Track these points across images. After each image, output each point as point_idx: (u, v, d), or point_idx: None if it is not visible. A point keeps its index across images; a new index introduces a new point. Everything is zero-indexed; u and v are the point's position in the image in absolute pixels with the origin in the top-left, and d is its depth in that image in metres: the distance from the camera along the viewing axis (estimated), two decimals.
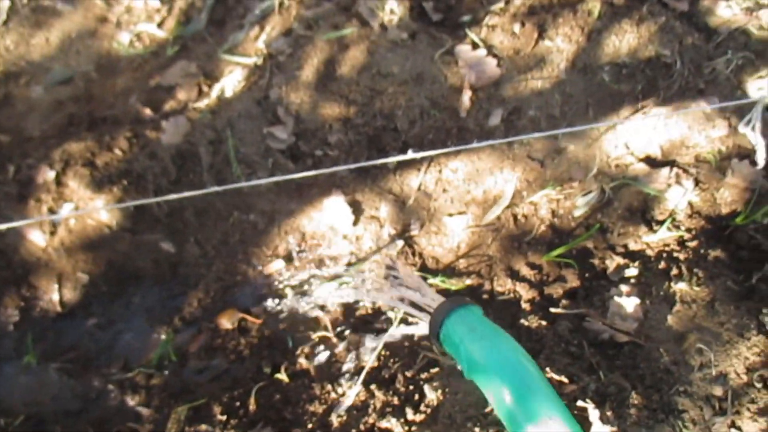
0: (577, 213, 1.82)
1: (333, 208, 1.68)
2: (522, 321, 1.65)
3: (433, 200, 1.72)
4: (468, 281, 1.69)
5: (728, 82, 1.83)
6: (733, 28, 1.89)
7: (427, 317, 0.92)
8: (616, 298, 1.66)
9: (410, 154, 1.12)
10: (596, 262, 1.78)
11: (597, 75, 1.71)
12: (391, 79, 1.62)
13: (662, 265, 1.75)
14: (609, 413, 1.36)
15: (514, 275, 1.73)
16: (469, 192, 1.72)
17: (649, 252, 1.80)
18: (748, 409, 1.42)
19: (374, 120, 1.65)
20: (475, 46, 1.65)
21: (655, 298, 1.65)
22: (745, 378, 1.46)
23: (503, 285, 1.72)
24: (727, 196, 1.95)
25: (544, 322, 1.64)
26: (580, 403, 1.38)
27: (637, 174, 1.83)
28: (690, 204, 1.90)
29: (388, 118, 1.65)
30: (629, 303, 1.64)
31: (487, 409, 1.37)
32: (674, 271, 1.71)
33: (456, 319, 0.80)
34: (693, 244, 1.82)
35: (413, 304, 1.03)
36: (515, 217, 1.78)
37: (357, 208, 1.70)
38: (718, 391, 1.43)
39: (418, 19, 1.74)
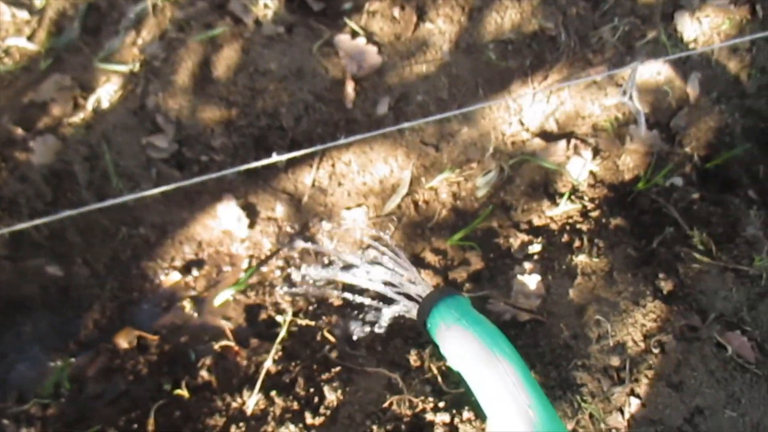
0: (480, 194, 1.81)
1: (226, 214, 1.63)
2: None
3: (330, 195, 1.69)
4: None
5: (616, 49, 1.82)
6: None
7: (412, 305, 0.91)
8: (519, 277, 1.66)
9: (286, 155, 1.08)
10: (501, 241, 1.78)
11: (483, 54, 1.69)
12: (270, 76, 1.57)
13: (565, 238, 1.75)
14: None
15: (419, 263, 1.71)
16: (365, 183, 1.69)
17: (553, 226, 1.80)
18: (646, 376, 1.43)
19: (258, 120, 1.60)
20: (354, 34, 1.61)
21: (557, 273, 1.65)
22: (642, 345, 1.47)
23: None
24: (629, 162, 1.96)
25: None
26: None
27: (534, 149, 1.82)
28: (592, 174, 1.90)
29: (272, 116, 1.61)
30: (531, 280, 1.64)
31: (385, 404, 1.35)
32: (576, 244, 1.71)
33: (444, 309, 0.80)
34: (595, 214, 1.83)
35: (401, 292, 1.00)
36: (416, 204, 1.76)
37: (251, 211, 1.66)
38: (615, 361, 1.44)
39: (297, 10, 1.69)
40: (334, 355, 1.46)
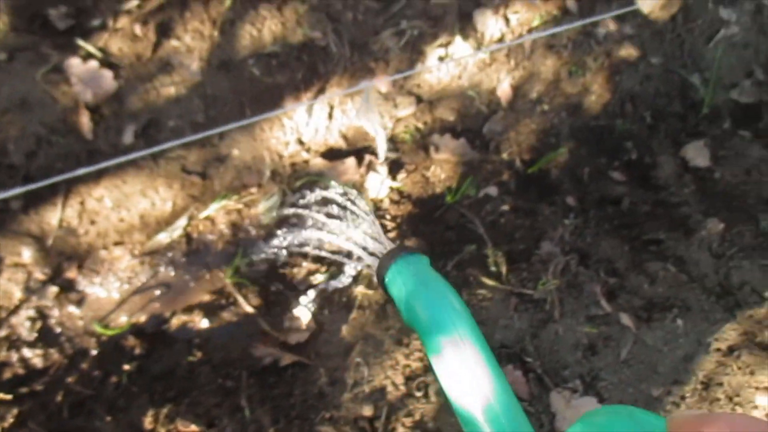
0: (265, 220, 1.66)
1: None
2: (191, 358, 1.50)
3: (83, 235, 1.52)
4: (141, 318, 1.52)
5: (404, 55, 1.68)
6: None
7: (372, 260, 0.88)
8: (294, 311, 1.52)
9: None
10: (287, 271, 1.64)
11: (244, 70, 1.53)
12: None
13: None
14: None
15: (190, 309, 1.56)
16: (123, 220, 1.53)
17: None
18: (404, 425, 1.31)
19: None
20: (88, 57, 1.44)
21: (335, 306, 1.52)
22: (403, 389, 1.34)
23: (180, 318, 1.55)
24: (440, 173, 1.83)
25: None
26: None
27: (321, 169, 1.68)
28: (397, 190, 1.77)
29: (0, 153, 1.44)
30: (304, 315, 1.51)
31: None
32: (358, 272, 1.58)
33: (402, 265, 0.78)
34: (392, 235, 1.70)
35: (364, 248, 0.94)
36: (189, 236, 1.60)
37: None
38: (368, 410, 1.31)
39: (38, 30, 1.51)
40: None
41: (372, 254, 0.87)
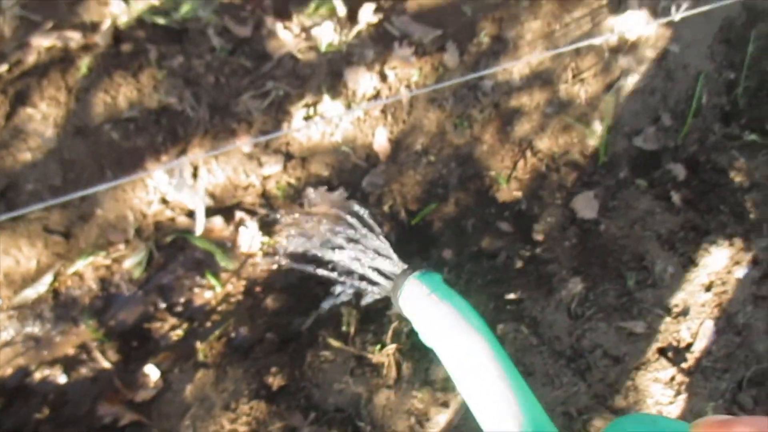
0: (136, 274, 1.72)
1: None
2: None
3: None
4: (6, 371, 1.58)
5: (269, 115, 1.72)
6: (282, 54, 1.77)
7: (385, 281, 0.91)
8: (144, 368, 1.57)
9: None
10: (151, 326, 1.69)
11: (102, 135, 1.59)
12: None
13: (210, 322, 1.66)
14: None
15: (52, 363, 1.62)
16: None
17: (209, 307, 1.71)
18: None
19: None
20: None
21: (186, 365, 1.57)
22: None
23: (42, 372, 1.62)
24: (318, 226, 1.86)
25: None
26: None
27: (188, 226, 1.72)
28: (271, 245, 1.81)
29: None
30: (153, 372, 1.55)
31: None
32: (200, 328, 1.62)
33: (415, 284, 0.81)
34: (258, 289, 1.74)
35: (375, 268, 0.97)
36: (57, 292, 1.67)
37: None
38: None
39: None
40: None
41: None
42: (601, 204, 1.96)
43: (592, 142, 2.08)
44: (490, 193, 2.00)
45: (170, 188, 1.38)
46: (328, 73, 1.73)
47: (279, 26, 1.77)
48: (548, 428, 0.63)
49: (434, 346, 0.78)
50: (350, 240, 1.01)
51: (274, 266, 1.75)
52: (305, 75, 1.71)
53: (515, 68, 1.98)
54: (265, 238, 1.76)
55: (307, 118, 1.69)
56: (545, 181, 2.02)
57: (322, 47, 1.74)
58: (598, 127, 2.06)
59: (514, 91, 2.00)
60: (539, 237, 1.87)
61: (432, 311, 0.79)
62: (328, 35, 1.75)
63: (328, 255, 1.02)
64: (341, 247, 1.01)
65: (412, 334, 1.59)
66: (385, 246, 0.95)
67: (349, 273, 1.00)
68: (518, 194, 2.01)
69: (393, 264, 0.91)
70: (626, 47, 2.09)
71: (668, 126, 2.17)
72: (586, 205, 1.97)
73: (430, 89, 1.82)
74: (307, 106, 1.70)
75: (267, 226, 1.79)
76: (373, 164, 1.89)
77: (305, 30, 1.77)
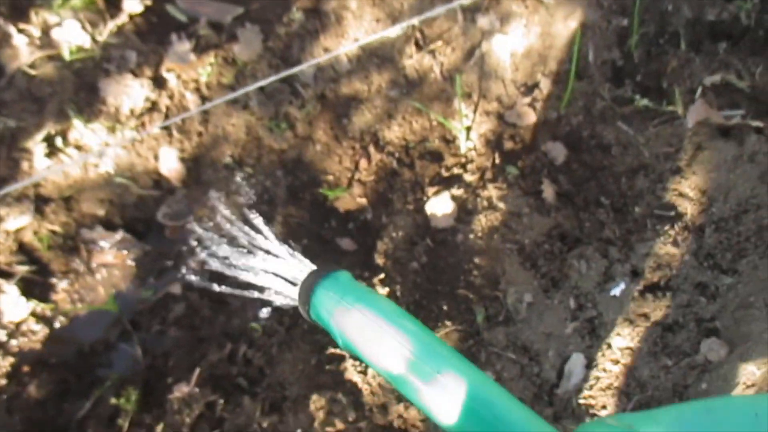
0: None
1: None
2: None
3: None
4: None
5: None
6: (14, 69, 1.37)
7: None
8: None
9: None
10: None
11: None
12: None
13: None
14: None
15: None
16: None
17: None
18: None
19: None
20: None
21: None
22: None
23: None
24: (107, 277, 1.52)
25: None
26: None
27: None
28: (49, 309, 1.47)
29: None
30: None
31: None
32: None
33: (322, 294, 0.77)
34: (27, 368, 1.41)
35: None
36: None
37: None
38: None
39: None
40: None
41: None
42: (461, 205, 1.61)
43: (455, 124, 1.70)
44: (328, 204, 1.65)
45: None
46: (78, 89, 1.33)
47: (12, 29, 1.35)
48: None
49: (357, 353, 0.74)
50: (249, 251, 0.93)
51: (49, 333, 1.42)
52: (44, 96, 1.31)
53: (341, 48, 1.57)
54: (32, 303, 1.42)
55: (53, 153, 1.30)
56: (396, 181, 1.67)
57: (66, 54, 1.33)
58: (459, 106, 1.68)
59: (344, 77, 1.60)
60: (380, 260, 1.53)
61: (347, 322, 0.74)
62: (73, 37, 1.34)
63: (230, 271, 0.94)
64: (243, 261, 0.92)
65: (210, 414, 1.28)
66: (284, 250, 0.88)
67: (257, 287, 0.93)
68: (363, 201, 1.66)
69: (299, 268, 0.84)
70: (485, 3, 1.68)
71: (548, 94, 1.78)
72: (442, 208, 1.62)
73: (230, 98, 1.42)
74: (50, 137, 1.31)
75: (36, 286, 1.44)
76: (168, 191, 1.52)
77: (47, 32, 1.35)
